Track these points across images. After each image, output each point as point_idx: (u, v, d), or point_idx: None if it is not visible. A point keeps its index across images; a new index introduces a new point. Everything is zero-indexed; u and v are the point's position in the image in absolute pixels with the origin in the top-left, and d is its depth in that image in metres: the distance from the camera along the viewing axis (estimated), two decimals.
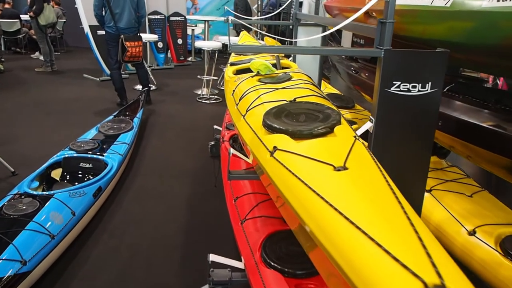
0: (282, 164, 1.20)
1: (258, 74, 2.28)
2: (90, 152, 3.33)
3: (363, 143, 1.32)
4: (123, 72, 7.31)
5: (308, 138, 1.34)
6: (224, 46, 6.42)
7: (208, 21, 6.58)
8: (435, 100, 1.76)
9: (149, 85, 5.96)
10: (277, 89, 1.92)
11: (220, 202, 3.05)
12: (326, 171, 1.07)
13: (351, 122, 3.65)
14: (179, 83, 7.21)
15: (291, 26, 6.12)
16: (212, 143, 3.97)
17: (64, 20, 10.43)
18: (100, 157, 3.27)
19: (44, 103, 5.68)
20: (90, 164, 3.26)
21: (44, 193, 2.55)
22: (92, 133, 3.80)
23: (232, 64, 3.28)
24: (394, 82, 1.72)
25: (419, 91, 1.74)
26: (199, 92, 6.51)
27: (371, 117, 1.80)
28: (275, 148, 1.30)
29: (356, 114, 3.93)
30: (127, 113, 4.44)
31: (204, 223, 2.82)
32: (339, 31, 6.65)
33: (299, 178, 1.06)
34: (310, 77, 2.23)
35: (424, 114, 1.78)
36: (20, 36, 9.87)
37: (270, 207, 2.05)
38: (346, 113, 3.96)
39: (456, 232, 2.03)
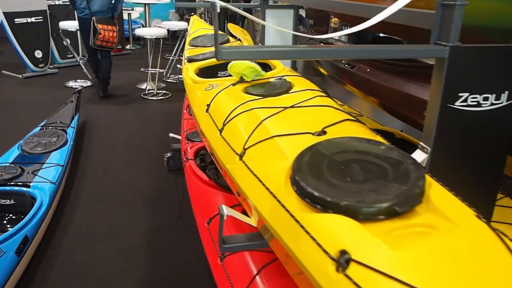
0: None
1: (242, 80, 1.65)
2: (11, 183, 2.54)
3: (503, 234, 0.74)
4: (51, 66, 6.33)
5: (385, 218, 0.75)
6: (170, 33, 5.62)
7: (148, 4, 5.72)
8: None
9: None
10: (285, 108, 1.30)
11: (189, 238, 2.42)
12: None
13: None
14: (119, 77, 6.30)
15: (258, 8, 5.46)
16: (169, 155, 3.29)
17: None
18: (24, 189, 2.49)
19: None
20: (11, 200, 2.48)
21: None
22: (12, 153, 2.97)
23: (191, 60, 2.60)
24: (461, 94, 1.19)
25: (491, 104, 1.22)
26: (143, 87, 5.69)
27: (422, 144, 1.25)
28: (345, 256, 0.69)
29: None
30: (58, 121, 3.61)
31: (171, 274, 2.18)
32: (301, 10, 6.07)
33: None
34: (313, 83, 1.64)
35: (494, 137, 1.27)
36: None
37: (281, 274, 1.44)
38: None
39: None
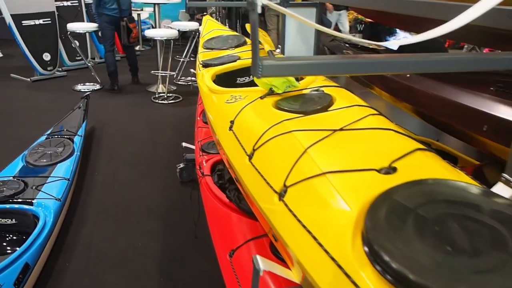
0: None
1: (271, 92, 1.41)
2: (13, 199, 2.34)
3: None
4: (60, 69, 6.17)
5: None
6: (180, 33, 5.39)
7: (159, 4, 5.48)
8: None
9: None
10: (333, 131, 1.05)
11: (206, 263, 2.19)
12: None
13: None
14: (128, 79, 6.11)
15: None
16: (181, 165, 3.07)
17: None
18: (26, 207, 2.29)
19: None
20: (13, 220, 2.28)
21: None
22: (16, 166, 2.77)
23: (206, 65, 2.37)
24: None
25: None
26: (153, 90, 5.49)
27: (507, 176, 1.01)
28: None
29: None
30: (64, 129, 3.41)
31: None
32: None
33: None
34: (356, 95, 1.40)
35: None
36: None
37: None
38: None
39: None
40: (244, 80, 2.29)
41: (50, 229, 2.20)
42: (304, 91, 1.43)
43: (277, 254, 1.38)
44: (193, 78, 6.08)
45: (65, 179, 2.66)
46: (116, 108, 4.81)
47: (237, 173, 1.19)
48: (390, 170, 0.85)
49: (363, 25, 7.94)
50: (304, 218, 0.83)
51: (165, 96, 5.15)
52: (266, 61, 0.78)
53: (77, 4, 6.47)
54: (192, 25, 5.57)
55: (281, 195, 0.92)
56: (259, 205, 1.00)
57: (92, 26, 5.67)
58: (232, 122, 1.38)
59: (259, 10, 0.75)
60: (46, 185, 2.55)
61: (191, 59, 7.00)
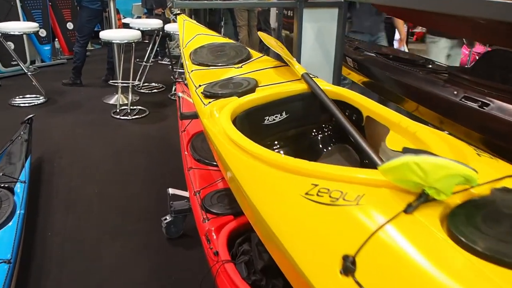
0: None
1: (425, 199, 0.71)
2: None
3: None
4: None
5: None
6: (143, 32, 4.53)
7: None
8: None
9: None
10: None
11: None
12: None
13: None
14: (79, 88, 5.17)
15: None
16: (169, 219, 2.31)
17: None
18: None
19: None
20: None
21: None
22: None
23: (211, 95, 1.63)
24: None
25: None
26: (112, 101, 4.60)
27: None
28: None
29: None
30: (0, 173, 2.51)
31: None
32: None
33: None
34: None
35: None
36: None
37: None
38: None
39: None
40: (274, 120, 1.57)
41: None
42: (483, 190, 0.74)
43: None
44: (157, 85, 5.25)
45: (5, 262, 1.82)
46: (68, 129, 3.88)
47: None
48: None
49: None
50: None
51: (128, 110, 4.28)
52: None
53: None
54: (155, 23, 4.71)
55: None
56: None
57: (31, 26, 4.64)
58: (350, 260, 0.68)
59: None
60: None
61: (155, 61, 6.13)
